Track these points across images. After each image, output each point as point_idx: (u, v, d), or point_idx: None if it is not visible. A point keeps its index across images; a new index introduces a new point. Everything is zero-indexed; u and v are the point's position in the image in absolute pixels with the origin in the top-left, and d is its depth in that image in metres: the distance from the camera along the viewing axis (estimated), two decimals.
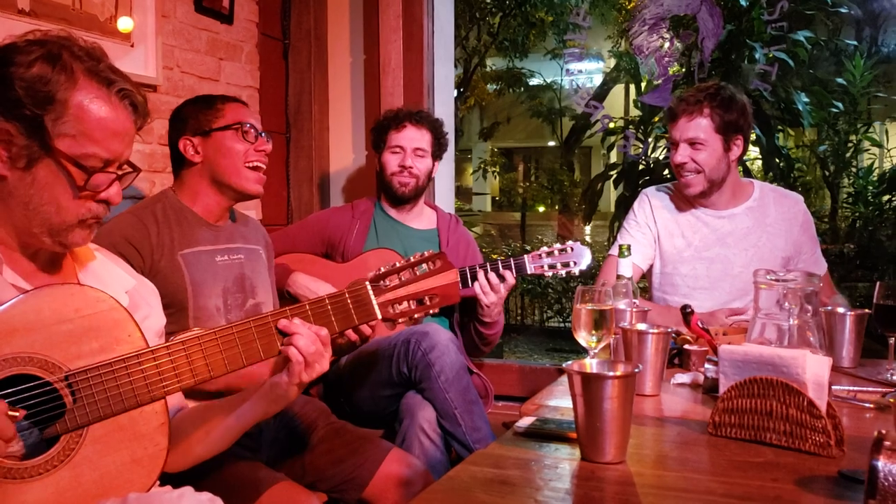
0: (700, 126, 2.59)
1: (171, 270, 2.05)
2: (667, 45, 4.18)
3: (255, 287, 2.22)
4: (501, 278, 2.62)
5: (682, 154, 2.62)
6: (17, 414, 1.20)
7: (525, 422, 1.56)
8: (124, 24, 2.61)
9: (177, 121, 2.21)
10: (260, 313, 1.53)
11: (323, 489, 2.09)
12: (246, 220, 2.33)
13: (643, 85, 6.56)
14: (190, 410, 1.59)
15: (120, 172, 1.40)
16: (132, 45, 2.65)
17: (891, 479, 1.02)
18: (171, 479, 1.49)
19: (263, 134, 2.21)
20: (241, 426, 1.54)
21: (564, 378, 1.63)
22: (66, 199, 1.35)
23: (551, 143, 16.91)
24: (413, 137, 2.90)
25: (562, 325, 8.29)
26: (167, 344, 1.38)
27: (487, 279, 2.61)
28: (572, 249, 2.67)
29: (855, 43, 7.75)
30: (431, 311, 1.63)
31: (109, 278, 1.52)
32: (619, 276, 2.16)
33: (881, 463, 1.03)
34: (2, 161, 1.32)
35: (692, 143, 2.60)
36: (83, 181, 1.35)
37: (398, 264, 1.60)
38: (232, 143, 2.15)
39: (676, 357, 2.11)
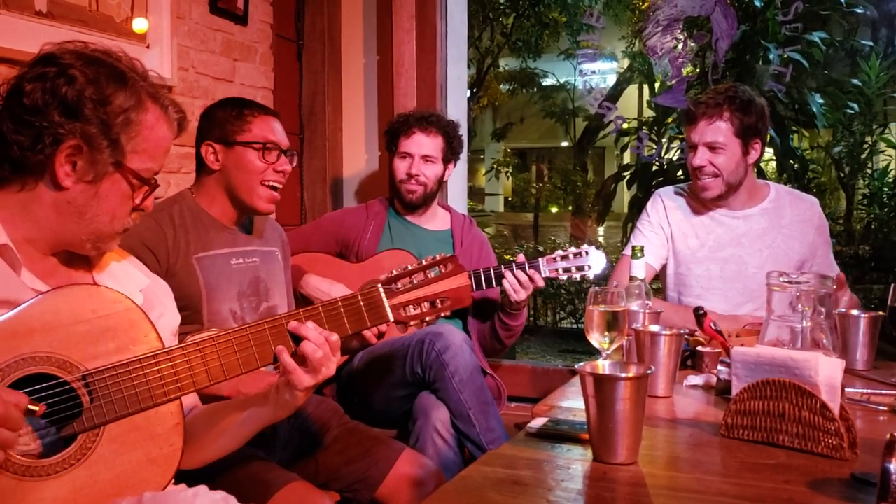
0: (720, 129, 2.57)
1: (185, 274, 2.06)
2: (680, 45, 4.17)
3: (269, 290, 2.23)
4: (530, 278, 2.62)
5: (701, 157, 2.59)
6: (36, 408, 1.21)
7: (537, 422, 1.57)
8: (139, 25, 2.64)
9: (205, 123, 2.18)
10: (273, 315, 1.54)
11: (336, 489, 2.10)
12: (263, 221, 2.32)
13: (657, 86, 6.55)
14: (203, 410, 1.60)
15: (154, 182, 1.47)
16: (147, 47, 2.67)
17: None
18: (185, 477, 1.50)
19: (287, 153, 2.17)
20: (251, 429, 1.55)
21: (577, 379, 1.63)
22: (123, 211, 1.42)
23: (564, 144, 16.90)
24: (422, 143, 2.85)
25: (574, 326, 8.27)
26: (183, 345, 1.39)
27: (517, 277, 2.60)
28: (587, 253, 2.65)
29: (870, 44, 7.67)
30: (443, 314, 1.63)
31: (124, 277, 1.54)
32: (631, 278, 2.16)
33: (894, 466, 1.03)
34: (68, 175, 1.36)
35: (711, 147, 2.58)
36: (142, 194, 1.43)
37: (410, 267, 1.61)
38: (252, 160, 2.12)
39: (689, 359, 2.11)
